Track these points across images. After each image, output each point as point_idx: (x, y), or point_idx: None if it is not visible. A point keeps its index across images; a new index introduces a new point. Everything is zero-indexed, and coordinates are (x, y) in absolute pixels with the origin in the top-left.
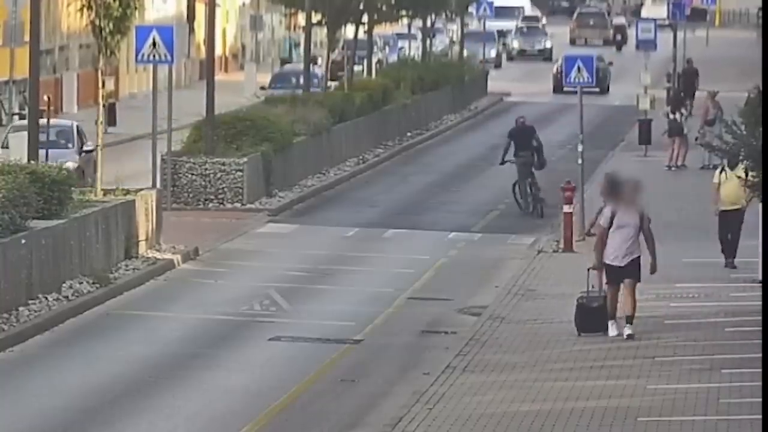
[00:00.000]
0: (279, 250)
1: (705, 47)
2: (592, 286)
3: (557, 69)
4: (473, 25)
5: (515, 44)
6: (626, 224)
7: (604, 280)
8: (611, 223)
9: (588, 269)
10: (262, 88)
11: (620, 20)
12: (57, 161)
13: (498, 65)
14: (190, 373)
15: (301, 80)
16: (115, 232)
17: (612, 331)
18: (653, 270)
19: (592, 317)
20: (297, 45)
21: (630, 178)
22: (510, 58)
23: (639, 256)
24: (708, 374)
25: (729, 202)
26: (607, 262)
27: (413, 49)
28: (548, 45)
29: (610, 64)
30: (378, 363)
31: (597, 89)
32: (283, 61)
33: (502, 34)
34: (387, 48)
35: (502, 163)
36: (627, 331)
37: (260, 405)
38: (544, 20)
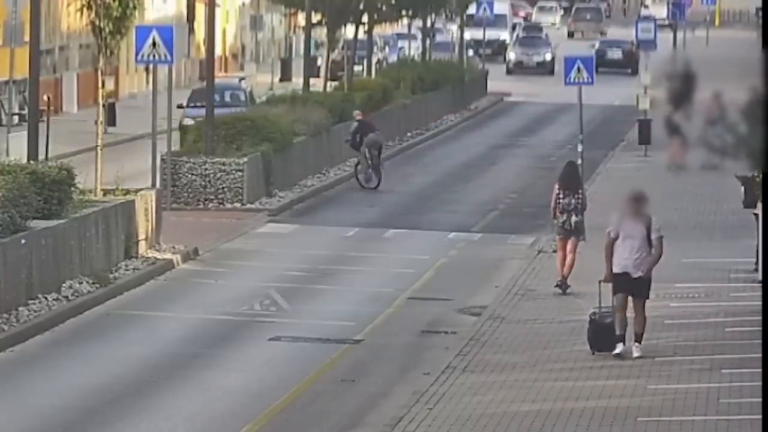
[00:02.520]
0: (279, 250)
1: (705, 47)
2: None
3: (595, 49)
4: (443, 36)
5: (512, 56)
6: (632, 235)
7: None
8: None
9: (599, 282)
10: (179, 106)
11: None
12: None
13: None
14: (190, 373)
15: (226, 98)
16: (115, 232)
17: (618, 348)
18: (644, 272)
19: (605, 334)
20: (320, 44)
21: (635, 190)
22: (508, 72)
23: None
24: (708, 374)
25: None
26: (616, 271)
27: (413, 49)
28: (548, 57)
29: (638, 48)
30: (378, 363)
31: (629, 70)
32: (283, 62)
33: (483, 44)
34: (387, 48)
35: (347, 141)
36: (636, 353)
37: (260, 405)
38: (556, 19)
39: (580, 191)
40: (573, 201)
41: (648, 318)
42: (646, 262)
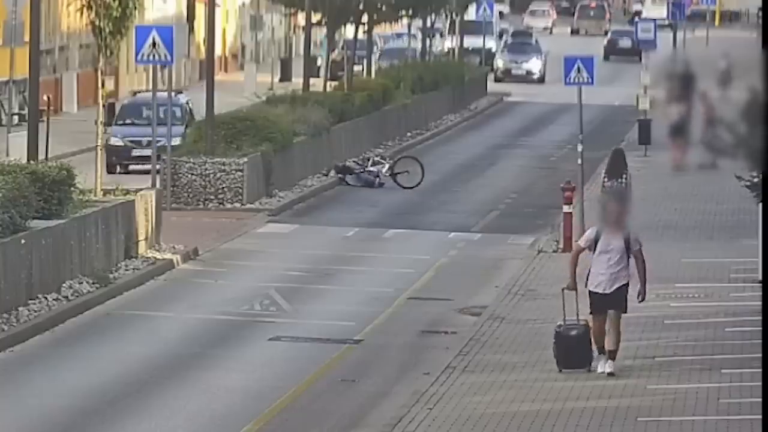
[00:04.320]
0: (279, 250)
1: (705, 47)
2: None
3: (608, 39)
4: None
5: (499, 63)
6: (610, 249)
7: (580, 305)
8: (595, 246)
9: (562, 289)
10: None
11: None
12: None
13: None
14: (190, 372)
15: (159, 113)
16: (115, 232)
17: (598, 367)
18: (642, 297)
19: (572, 349)
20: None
21: (616, 198)
22: (496, 80)
23: (626, 284)
24: (708, 374)
25: None
26: (591, 289)
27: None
28: (538, 65)
29: (639, 46)
30: (378, 363)
31: (638, 58)
32: (283, 62)
33: (483, 52)
34: None
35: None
36: (608, 368)
37: (260, 405)
38: (548, 23)
39: (624, 175)
40: (616, 184)
41: (648, 318)
42: (623, 275)
